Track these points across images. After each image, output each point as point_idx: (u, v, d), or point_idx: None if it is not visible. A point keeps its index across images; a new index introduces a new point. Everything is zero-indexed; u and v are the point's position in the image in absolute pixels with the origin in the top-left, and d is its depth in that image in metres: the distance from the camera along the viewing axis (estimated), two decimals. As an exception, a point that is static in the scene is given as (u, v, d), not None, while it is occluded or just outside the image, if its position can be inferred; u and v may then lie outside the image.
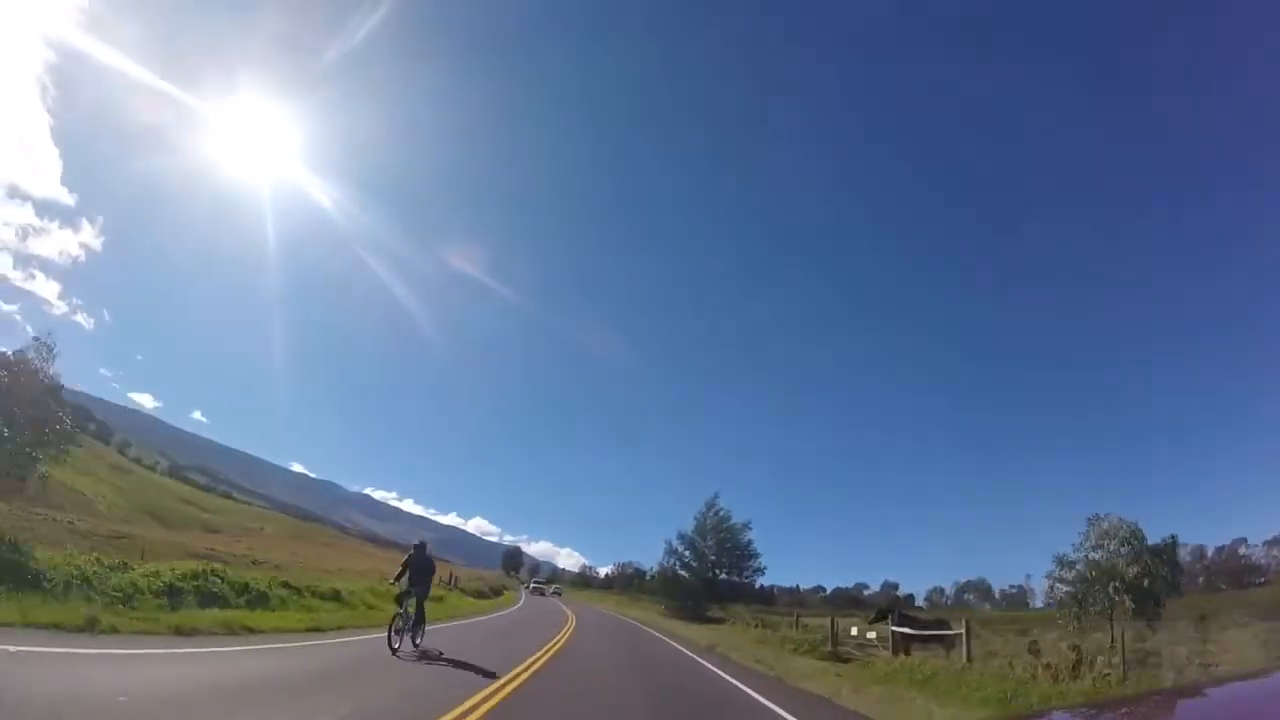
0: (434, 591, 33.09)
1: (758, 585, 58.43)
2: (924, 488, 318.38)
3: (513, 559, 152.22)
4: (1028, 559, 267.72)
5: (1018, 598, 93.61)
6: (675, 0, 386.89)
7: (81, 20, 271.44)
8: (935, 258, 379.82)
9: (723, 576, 52.84)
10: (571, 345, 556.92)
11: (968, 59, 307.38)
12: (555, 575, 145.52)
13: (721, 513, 53.56)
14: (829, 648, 18.25)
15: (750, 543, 53.02)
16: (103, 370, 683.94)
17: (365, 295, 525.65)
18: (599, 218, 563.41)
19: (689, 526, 53.49)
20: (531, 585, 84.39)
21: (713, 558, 52.18)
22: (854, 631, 19.47)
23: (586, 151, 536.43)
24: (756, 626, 30.68)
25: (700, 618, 44.24)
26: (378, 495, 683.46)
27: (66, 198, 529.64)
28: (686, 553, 52.79)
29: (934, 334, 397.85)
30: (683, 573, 52.02)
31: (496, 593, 57.44)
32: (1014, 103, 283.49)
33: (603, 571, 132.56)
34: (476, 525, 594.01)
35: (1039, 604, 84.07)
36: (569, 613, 35.38)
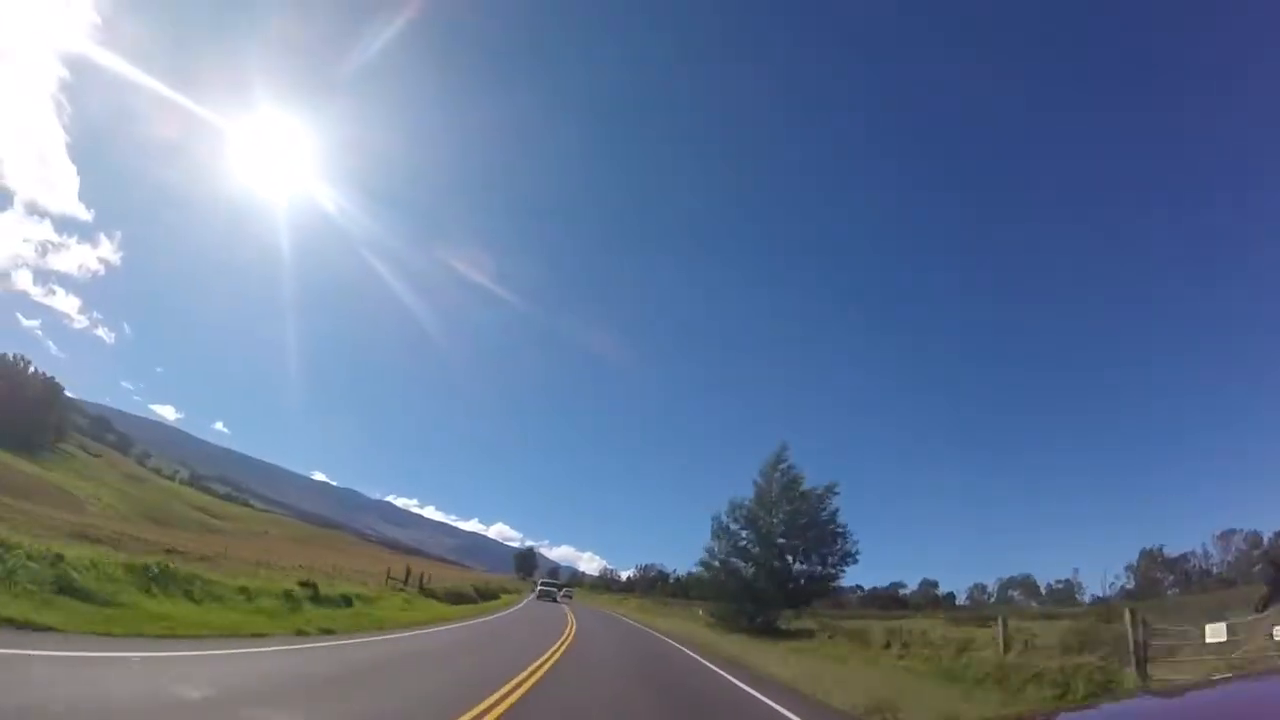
0: (360, 589, 22.15)
1: (837, 582, 37.15)
2: (932, 487, 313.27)
3: (525, 561, 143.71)
4: (1036, 556, 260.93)
5: (1064, 593, 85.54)
6: (677, 4, 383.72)
7: (95, 34, 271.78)
8: (935, 257, 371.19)
9: (799, 566, 34.48)
10: (582, 349, 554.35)
11: (968, 59, 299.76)
12: (576, 578, 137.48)
13: (793, 472, 35.10)
14: (1132, 668, 9.11)
15: (836, 514, 34.26)
16: (124, 383, 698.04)
17: (381, 303, 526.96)
18: (603, 220, 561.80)
19: (744, 496, 36.28)
20: (539, 588, 68.16)
21: (782, 539, 34.21)
22: (1212, 636, 9.10)
23: (589, 155, 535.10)
24: (887, 647, 18.35)
25: (771, 630, 30.65)
26: (399, 502, 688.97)
27: (84, 213, 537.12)
28: (744, 533, 35.30)
29: (933, 333, 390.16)
30: (739, 562, 34.86)
31: (490, 596, 46.63)
32: (1014, 103, 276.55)
33: (624, 575, 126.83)
34: (498, 531, 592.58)
35: (1087, 598, 75.71)
36: (569, 624, 24.72)
